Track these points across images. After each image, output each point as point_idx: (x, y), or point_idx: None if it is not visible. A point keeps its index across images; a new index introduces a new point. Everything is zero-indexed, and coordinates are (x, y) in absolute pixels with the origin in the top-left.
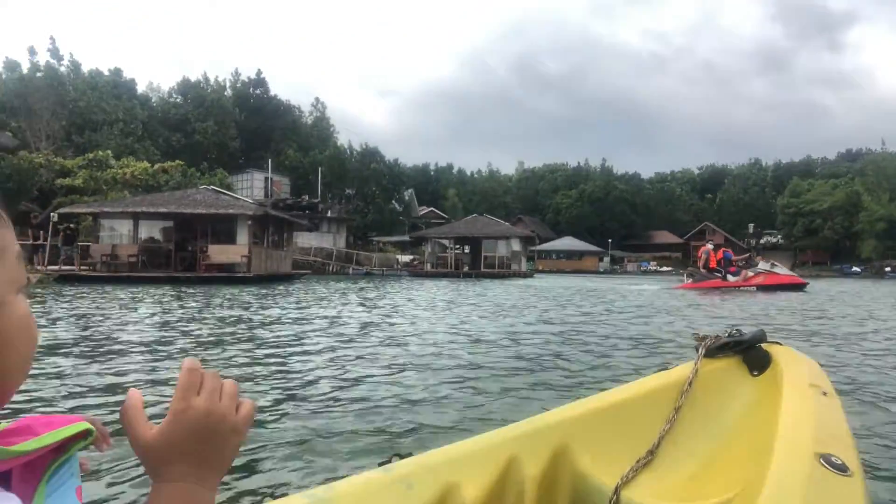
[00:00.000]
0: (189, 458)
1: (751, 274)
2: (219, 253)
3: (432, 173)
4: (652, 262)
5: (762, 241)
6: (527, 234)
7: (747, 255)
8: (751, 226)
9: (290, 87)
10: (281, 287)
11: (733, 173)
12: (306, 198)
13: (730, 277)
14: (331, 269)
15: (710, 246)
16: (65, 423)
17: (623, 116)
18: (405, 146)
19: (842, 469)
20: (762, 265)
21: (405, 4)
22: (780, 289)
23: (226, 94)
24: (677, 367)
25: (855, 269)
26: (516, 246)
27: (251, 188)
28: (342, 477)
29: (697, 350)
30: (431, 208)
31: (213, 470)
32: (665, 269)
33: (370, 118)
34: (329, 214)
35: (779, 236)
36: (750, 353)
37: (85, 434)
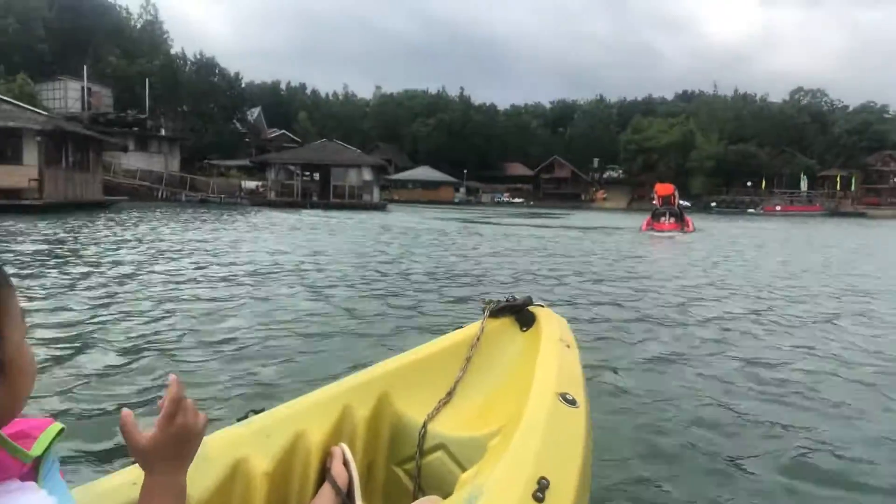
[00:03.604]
0: (170, 456)
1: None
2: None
3: (283, 93)
4: (505, 194)
5: (605, 175)
6: (379, 163)
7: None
8: (595, 160)
9: None
10: (76, 218)
11: (582, 108)
12: (133, 113)
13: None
14: (159, 194)
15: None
16: (45, 424)
17: (478, 46)
18: (253, 61)
19: (572, 403)
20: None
21: None
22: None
23: None
24: (470, 325)
25: (685, 203)
26: (368, 175)
27: (64, 98)
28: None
29: (483, 312)
30: (283, 131)
31: (184, 462)
32: (517, 200)
33: (212, 27)
34: (161, 133)
35: (619, 171)
36: (521, 313)
37: (60, 431)
